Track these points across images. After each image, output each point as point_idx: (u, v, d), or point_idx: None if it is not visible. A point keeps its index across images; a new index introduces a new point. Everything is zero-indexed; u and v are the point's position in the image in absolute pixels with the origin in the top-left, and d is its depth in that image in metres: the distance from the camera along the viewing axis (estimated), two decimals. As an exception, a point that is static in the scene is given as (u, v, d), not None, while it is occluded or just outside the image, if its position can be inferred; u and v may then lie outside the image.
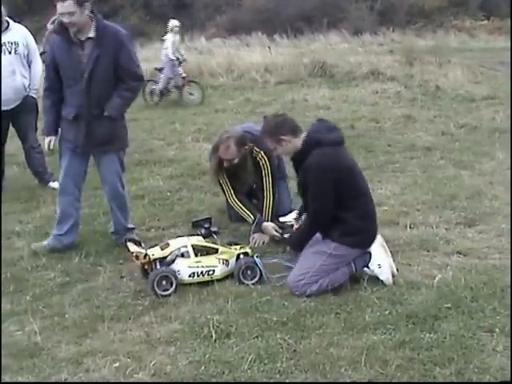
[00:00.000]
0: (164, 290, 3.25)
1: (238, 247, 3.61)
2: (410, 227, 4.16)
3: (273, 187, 4.17)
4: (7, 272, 3.60)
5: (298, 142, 3.24)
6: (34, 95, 5.21)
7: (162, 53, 10.92)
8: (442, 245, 3.82)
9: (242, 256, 3.51)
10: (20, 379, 2.57)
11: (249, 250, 3.59)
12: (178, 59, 10.59)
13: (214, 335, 2.80)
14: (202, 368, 2.57)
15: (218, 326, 2.86)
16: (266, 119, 3.36)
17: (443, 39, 22.45)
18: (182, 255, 3.41)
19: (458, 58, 14.22)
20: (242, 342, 2.75)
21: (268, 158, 4.14)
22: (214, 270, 3.39)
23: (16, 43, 5.01)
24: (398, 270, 3.37)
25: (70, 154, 3.81)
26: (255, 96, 10.80)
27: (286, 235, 3.89)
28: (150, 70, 15.76)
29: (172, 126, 8.46)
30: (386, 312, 2.96)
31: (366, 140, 6.93)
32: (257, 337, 2.79)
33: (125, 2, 28.94)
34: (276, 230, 4.01)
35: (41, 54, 5.49)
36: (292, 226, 3.89)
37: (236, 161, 4.00)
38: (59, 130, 3.86)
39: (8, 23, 5.03)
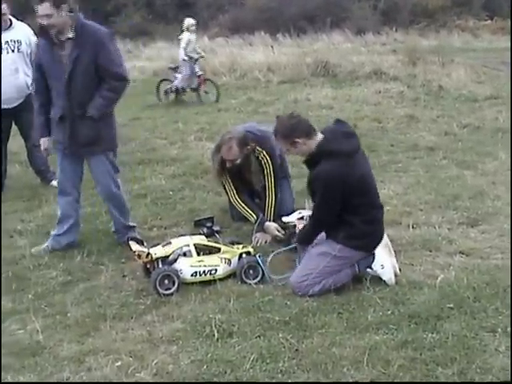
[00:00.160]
0: (166, 289, 3.25)
1: (240, 246, 3.61)
2: (413, 227, 4.15)
3: (275, 187, 4.17)
4: (9, 271, 3.61)
5: (312, 144, 3.19)
6: None
7: (179, 52, 10.91)
8: (444, 245, 3.82)
9: (244, 255, 3.52)
10: (22, 379, 2.57)
11: (251, 250, 3.59)
12: (191, 58, 10.60)
13: (216, 334, 2.80)
14: (204, 367, 2.57)
15: (220, 326, 2.86)
16: (280, 120, 3.30)
17: (446, 39, 22.41)
18: (185, 254, 3.41)
19: (461, 57, 14.18)
20: (244, 341, 2.75)
21: (270, 158, 4.14)
22: (216, 270, 3.39)
23: (19, 41, 5.02)
24: (400, 269, 3.36)
25: (62, 155, 3.83)
26: (258, 95, 10.79)
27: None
28: (154, 69, 15.90)
29: (175, 124, 8.46)
30: (389, 312, 2.95)
31: (368, 140, 6.92)
32: (259, 336, 2.79)
33: (127, 0, 28.95)
34: (278, 230, 4.00)
35: None
36: (295, 226, 3.89)
37: (238, 161, 4.00)
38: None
39: (11, 21, 5.04)
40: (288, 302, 3.10)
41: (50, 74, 3.65)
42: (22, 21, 5.26)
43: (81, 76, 3.57)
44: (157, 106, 10.51)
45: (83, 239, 4.06)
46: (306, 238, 3.43)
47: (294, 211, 4.17)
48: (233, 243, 3.67)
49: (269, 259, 3.50)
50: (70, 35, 3.54)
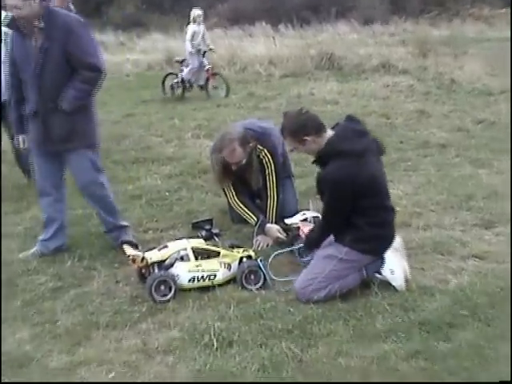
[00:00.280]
0: (162, 296, 3.25)
1: (240, 250, 3.61)
2: (424, 229, 4.15)
3: (277, 187, 4.17)
4: (-4, 276, 3.61)
5: (321, 141, 3.19)
6: None
7: (186, 45, 10.95)
8: (457, 248, 3.82)
9: (244, 259, 3.52)
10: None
11: (252, 253, 3.59)
12: (199, 51, 10.65)
13: (215, 343, 2.80)
14: (203, 378, 2.56)
15: (219, 334, 2.86)
16: (288, 116, 3.29)
17: (459, 29, 22.35)
18: (182, 259, 3.41)
19: (474, 48, 14.19)
20: (245, 350, 2.75)
21: (271, 156, 4.14)
22: (215, 275, 3.39)
23: (5, 34, 5.02)
24: (411, 274, 3.36)
25: (37, 153, 3.81)
26: (259, 90, 10.80)
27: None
28: (149, 63, 15.92)
29: (171, 121, 8.47)
30: (398, 319, 2.95)
31: (376, 136, 6.93)
32: (261, 345, 2.79)
33: (120, -11, 29.00)
34: (280, 232, 4.01)
35: None
36: (298, 228, 3.89)
37: (244, 161, 4.00)
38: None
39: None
40: (291, 309, 3.10)
41: (21, 67, 3.63)
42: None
43: (52, 68, 3.54)
44: (152, 102, 10.51)
45: (74, 243, 4.07)
46: (314, 241, 3.43)
47: (297, 212, 4.18)
48: (233, 247, 3.67)
49: (270, 260, 3.50)
50: (41, 25, 3.51)
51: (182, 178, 5.66)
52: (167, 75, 11.24)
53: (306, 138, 3.18)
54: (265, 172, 4.14)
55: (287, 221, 4.07)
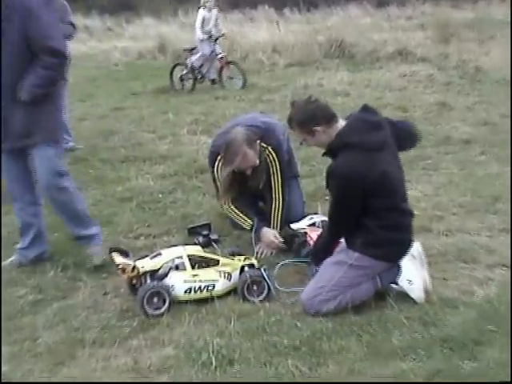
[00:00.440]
0: (155, 309, 3.25)
1: (242, 258, 3.61)
2: (445, 235, 4.15)
3: (282, 187, 4.17)
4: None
5: (332, 132, 3.21)
6: None
7: (195, 32, 11.02)
8: (483, 255, 3.81)
9: (246, 268, 3.52)
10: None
11: (254, 262, 3.59)
12: (210, 37, 10.67)
13: (214, 362, 2.80)
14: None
15: (218, 351, 2.86)
16: (296, 105, 3.31)
17: (485, 10, 22.32)
18: (177, 267, 3.41)
19: (502, 33, 14.16)
20: (247, 369, 2.75)
21: (276, 154, 4.13)
22: (214, 285, 3.39)
23: None
24: (432, 285, 3.35)
25: (6, 152, 3.74)
26: (262, 81, 10.83)
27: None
28: (139, 51, 15.96)
29: (164, 115, 8.49)
30: (417, 335, 2.94)
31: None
32: (264, 363, 2.78)
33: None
34: (276, 237, 4.02)
35: None
36: (305, 233, 3.89)
37: (257, 162, 3.99)
38: None
39: None
40: (298, 323, 3.09)
41: None
42: None
43: (10, 53, 3.49)
44: (143, 94, 10.55)
45: (57, 250, 4.07)
46: (322, 247, 3.43)
47: (304, 216, 4.18)
48: (233, 254, 3.67)
49: (275, 271, 3.50)
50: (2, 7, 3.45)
51: (176, 179, 5.67)
52: (175, 66, 11.22)
53: (316, 128, 3.20)
54: (269, 171, 4.14)
55: (293, 226, 4.07)
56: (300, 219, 4.14)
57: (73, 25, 6.54)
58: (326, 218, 3.93)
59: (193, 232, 3.80)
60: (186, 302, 3.34)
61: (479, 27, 14.04)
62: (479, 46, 12.20)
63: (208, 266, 3.47)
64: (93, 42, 19.14)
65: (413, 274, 3.28)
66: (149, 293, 3.25)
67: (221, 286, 3.41)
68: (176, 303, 3.32)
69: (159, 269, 3.38)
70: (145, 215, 4.79)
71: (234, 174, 3.99)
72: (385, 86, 9.77)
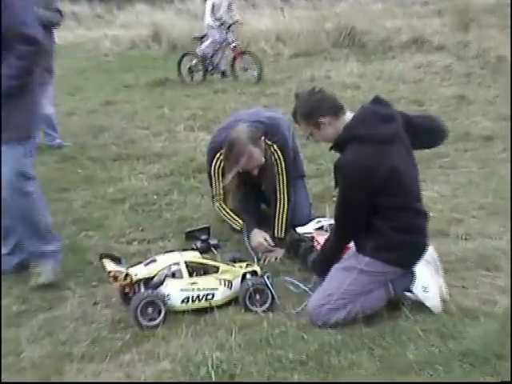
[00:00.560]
0: (150, 320, 3.25)
1: (243, 265, 3.61)
2: (465, 239, 4.15)
3: (288, 188, 4.18)
4: None
5: (340, 124, 3.23)
6: None
7: (205, 19, 11.02)
8: (505, 261, 3.80)
9: (248, 276, 3.52)
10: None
11: (257, 269, 3.60)
12: (223, 24, 10.59)
13: (213, 377, 2.80)
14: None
15: (218, 366, 2.86)
16: (300, 97, 3.36)
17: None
18: (173, 275, 3.42)
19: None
20: (249, 385, 2.75)
21: (282, 152, 4.13)
22: (213, 294, 3.40)
23: None
24: (449, 293, 3.36)
25: None
26: (265, 72, 10.82)
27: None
28: (131, 39, 15.97)
29: (159, 110, 8.50)
30: (434, 348, 2.95)
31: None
32: (268, 379, 2.78)
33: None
34: (266, 240, 4.03)
35: None
36: (312, 238, 3.89)
37: (263, 160, 3.99)
38: None
39: None
40: (305, 336, 3.10)
41: None
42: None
43: None
44: (136, 87, 10.56)
45: (43, 257, 4.07)
46: (328, 253, 3.43)
47: (311, 219, 4.18)
48: (234, 261, 3.68)
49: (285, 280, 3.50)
50: None
51: (172, 179, 5.68)
52: (184, 56, 11.21)
53: (322, 119, 3.23)
54: (273, 171, 4.13)
55: (299, 229, 4.07)
56: (306, 222, 4.15)
57: (59, 11, 6.54)
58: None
59: (190, 236, 3.80)
60: (183, 312, 3.34)
61: (501, 12, 13.98)
62: (501, 34, 12.16)
63: (207, 274, 3.47)
64: (81, 30, 19.19)
65: (428, 281, 3.29)
66: (143, 302, 3.25)
67: (221, 294, 3.42)
68: (172, 314, 3.32)
69: (154, 276, 3.38)
70: (138, 218, 4.80)
71: (240, 174, 3.99)
72: (398, 77, 9.78)
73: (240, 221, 4.18)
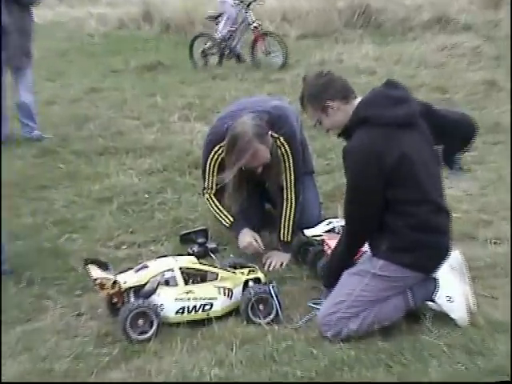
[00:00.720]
0: (141, 333, 3.26)
1: (245, 271, 3.62)
2: (494, 243, 4.15)
3: (295, 186, 4.18)
4: None
5: (350, 110, 3.26)
6: None
7: None
8: (540, 268, 3.81)
9: (251, 283, 3.53)
10: None
11: (261, 275, 3.60)
12: (242, 1, 10.43)
13: (211, 397, 2.82)
14: None
15: (217, 384, 2.88)
16: (307, 80, 3.42)
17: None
18: (167, 283, 3.42)
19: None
20: (251, 406, 2.76)
21: (290, 145, 4.12)
22: (211, 304, 3.40)
23: None
24: (477, 304, 3.36)
25: None
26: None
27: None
28: (119, 18, 15.92)
29: (151, 98, 8.50)
30: (460, 366, 2.94)
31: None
32: (273, 399, 2.80)
33: None
34: (256, 240, 4.04)
35: None
36: (323, 241, 3.89)
37: (269, 157, 3.99)
38: None
39: None
40: (314, 351, 3.09)
41: None
42: None
43: None
44: (125, 72, 10.54)
45: (21, 262, 4.07)
46: (338, 258, 3.42)
47: (321, 221, 4.18)
48: (235, 267, 3.68)
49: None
50: None
51: (166, 175, 5.68)
52: (196, 37, 11.11)
53: (329, 103, 3.26)
54: (279, 167, 4.12)
55: (307, 232, 4.05)
56: (316, 224, 4.14)
57: (38, -13, 6.57)
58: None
59: (186, 239, 3.80)
60: (178, 324, 3.35)
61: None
62: (536, 12, 12.15)
63: (204, 281, 3.48)
64: (62, 8, 19.12)
65: (453, 289, 3.29)
66: (133, 313, 3.25)
67: (220, 304, 3.42)
68: (166, 326, 3.32)
69: (145, 284, 3.39)
70: (127, 219, 4.80)
71: (242, 171, 3.98)
72: (419, 61, 9.75)
73: (230, 217, 4.16)
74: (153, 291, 3.37)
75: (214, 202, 4.25)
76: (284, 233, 4.15)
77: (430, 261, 3.27)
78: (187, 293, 3.39)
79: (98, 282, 3.36)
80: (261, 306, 3.39)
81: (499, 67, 9.26)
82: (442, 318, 3.26)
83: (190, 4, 14.23)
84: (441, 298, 3.28)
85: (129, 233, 4.58)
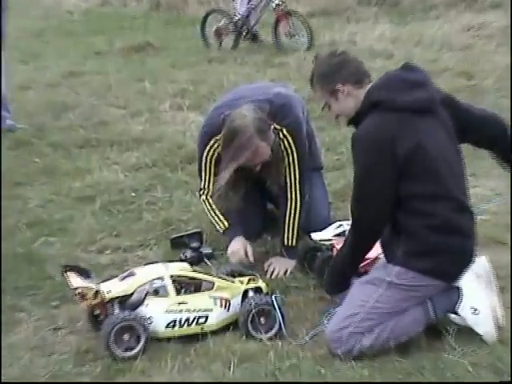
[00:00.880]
0: (126, 350, 3.26)
1: (244, 279, 3.62)
2: (525, 249, 4.15)
3: (300, 183, 4.19)
4: None
5: (362, 95, 3.28)
6: None
7: None
8: None
9: (251, 293, 3.53)
10: None
11: (262, 285, 3.61)
12: None
13: (206, 421, 2.83)
14: None
15: (212, 408, 2.89)
16: (319, 59, 3.46)
17: None
18: (156, 292, 3.43)
19: None
20: (251, 432, 2.77)
21: (294, 138, 4.13)
22: (206, 317, 3.41)
23: None
24: (506, 317, 3.36)
25: None
26: (272, 37, 10.79)
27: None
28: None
29: (139, 84, 8.51)
30: (488, 386, 2.96)
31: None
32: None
33: None
34: (246, 250, 4.04)
35: None
36: (331, 246, 3.90)
37: (270, 153, 3.99)
38: None
39: None
40: (322, 370, 3.09)
41: None
42: None
43: None
44: (109, 54, 10.54)
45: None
46: (345, 260, 3.40)
47: (330, 223, 4.18)
48: (233, 274, 3.69)
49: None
50: None
51: (155, 171, 5.69)
52: (209, 14, 11.07)
53: (340, 87, 3.28)
54: (284, 161, 4.13)
55: (315, 236, 4.05)
56: (324, 227, 4.14)
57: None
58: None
59: (178, 244, 3.81)
60: (169, 339, 3.35)
61: None
62: None
63: (198, 291, 3.49)
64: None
65: (479, 300, 3.28)
66: (117, 327, 3.25)
67: (216, 317, 3.43)
68: (155, 341, 3.33)
69: (132, 294, 3.39)
70: (112, 221, 4.81)
71: (238, 169, 3.98)
72: (442, 43, 9.75)
73: (226, 222, 4.17)
74: (140, 302, 3.37)
75: (210, 204, 4.24)
76: (288, 236, 4.16)
77: (453, 267, 3.25)
78: (179, 304, 3.39)
79: (78, 291, 3.36)
80: (262, 319, 3.39)
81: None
82: (467, 332, 3.26)
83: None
84: (465, 309, 3.27)
85: (113, 236, 4.59)
